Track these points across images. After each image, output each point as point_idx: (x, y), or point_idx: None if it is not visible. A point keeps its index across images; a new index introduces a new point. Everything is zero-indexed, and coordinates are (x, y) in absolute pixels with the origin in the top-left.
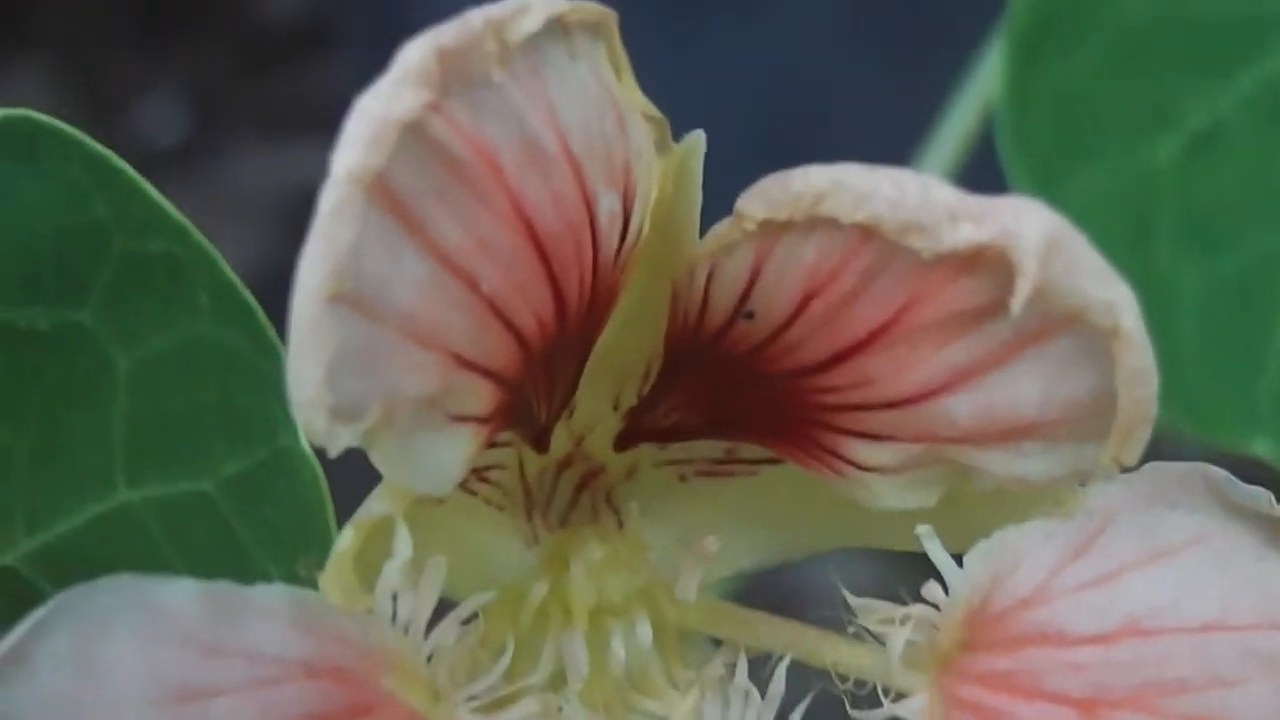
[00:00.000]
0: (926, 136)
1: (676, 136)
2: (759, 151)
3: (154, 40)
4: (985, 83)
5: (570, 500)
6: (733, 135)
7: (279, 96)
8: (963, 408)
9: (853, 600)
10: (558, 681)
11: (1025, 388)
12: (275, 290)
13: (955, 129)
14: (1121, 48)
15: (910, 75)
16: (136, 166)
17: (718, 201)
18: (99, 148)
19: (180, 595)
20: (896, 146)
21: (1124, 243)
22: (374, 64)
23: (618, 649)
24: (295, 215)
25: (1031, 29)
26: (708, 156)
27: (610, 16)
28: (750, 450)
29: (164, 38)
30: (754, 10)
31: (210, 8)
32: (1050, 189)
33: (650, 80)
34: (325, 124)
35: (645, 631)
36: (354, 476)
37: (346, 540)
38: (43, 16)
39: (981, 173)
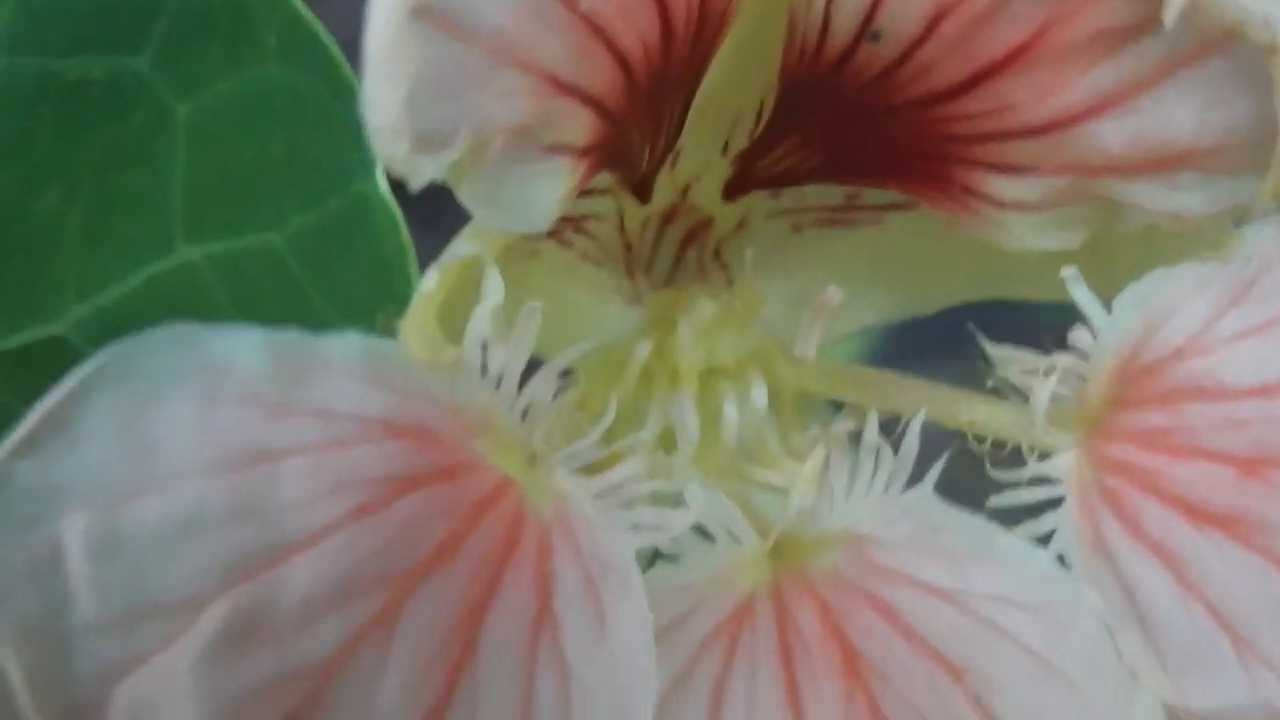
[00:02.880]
0: None
1: None
2: None
3: None
4: None
5: (676, 257)
6: None
7: None
8: (1111, 134)
9: (991, 349)
10: (665, 443)
11: (1179, 112)
12: None
13: None
14: None
15: None
16: None
17: None
18: None
19: (242, 349)
20: None
21: None
22: None
23: (730, 414)
24: None
25: None
26: None
27: None
28: (874, 195)
29: None
30: None
31: None
32: None
33: None
34: None
35: (760, 395)
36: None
37: (431, 282)
38: None
39: None
